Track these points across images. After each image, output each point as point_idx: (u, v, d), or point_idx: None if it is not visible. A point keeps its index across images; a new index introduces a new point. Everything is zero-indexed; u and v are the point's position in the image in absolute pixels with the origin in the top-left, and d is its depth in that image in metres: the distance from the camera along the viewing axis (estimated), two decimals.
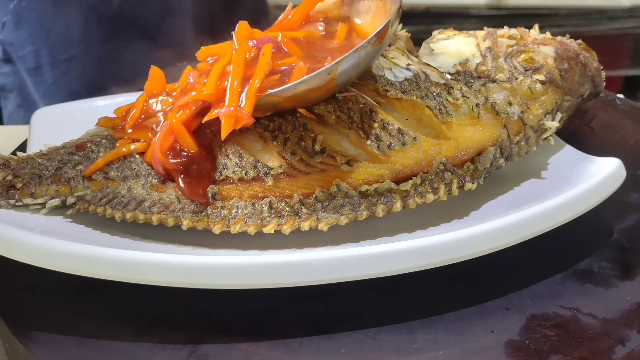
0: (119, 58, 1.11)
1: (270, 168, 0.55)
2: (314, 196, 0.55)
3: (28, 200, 0.57)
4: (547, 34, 0.71)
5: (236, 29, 0.61)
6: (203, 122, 0.55)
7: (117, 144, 0.59)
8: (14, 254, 0.50)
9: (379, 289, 0.52)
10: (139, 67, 1.00)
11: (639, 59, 2.10)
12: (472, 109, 0.60)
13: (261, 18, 1.31)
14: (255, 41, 0.60)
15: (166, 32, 1.14)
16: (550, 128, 0.64)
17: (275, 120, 0.57)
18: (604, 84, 0.70)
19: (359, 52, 0.54)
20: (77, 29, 1.09)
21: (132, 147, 0.58)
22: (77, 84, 1.10)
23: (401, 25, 0.70)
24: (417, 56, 0.67)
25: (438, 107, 0.59)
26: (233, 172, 0.55)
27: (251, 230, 0.54)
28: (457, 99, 0.60)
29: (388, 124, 0.57)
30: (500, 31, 0.70)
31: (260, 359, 0.47)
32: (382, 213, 0.56)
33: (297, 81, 0.53)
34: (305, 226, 0.55)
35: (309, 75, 0.53)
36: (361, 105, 0.57)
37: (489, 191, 0.61)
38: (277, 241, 0.55)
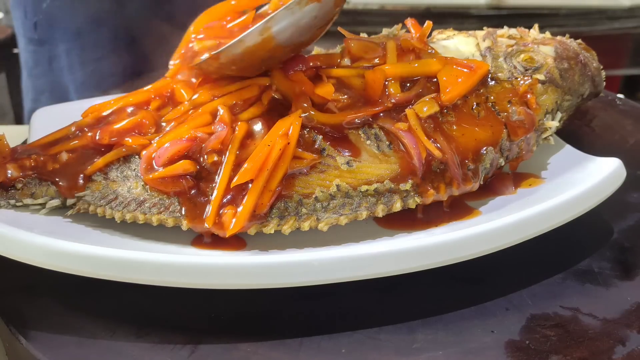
0: (147, 59, 1.11)
1: None
2: (314, 196, 0.55)
3: (28, 201, 0.57)
4: (547, 34, 0.71)
5: None
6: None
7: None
8: (14, 254, 0.50)
9: (379, 289, 0.52)
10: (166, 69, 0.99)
11: (639, 59, 2.10)
12: (472, 108, 0.60)
13: None
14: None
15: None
16: (550, 127, 0.64)
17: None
18: (604, 83, 0.70)
19: (291, 9, 0.53)
20: (106, 29, 1.09)
21: (133, 147, 0.58)
22: (106, 84, 1.10)
23: (401, 25, 0.71)
24: None
25: None
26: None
27: (251, 230, 0.54)
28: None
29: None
30: (500, 31, 0.70)
31: (260, 359, 0.47)
32: (382, 213, 0.56)
33: (233, 41, 0.53)
34: (305, 226, 0.55)
35: (243, 34, 0.53)
36: None
37: None
38: (277, 241, 0.55)
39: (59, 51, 1.11)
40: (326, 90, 0.57)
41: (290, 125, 0.55)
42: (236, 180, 0.53)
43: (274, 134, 0.55)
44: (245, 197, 0.53)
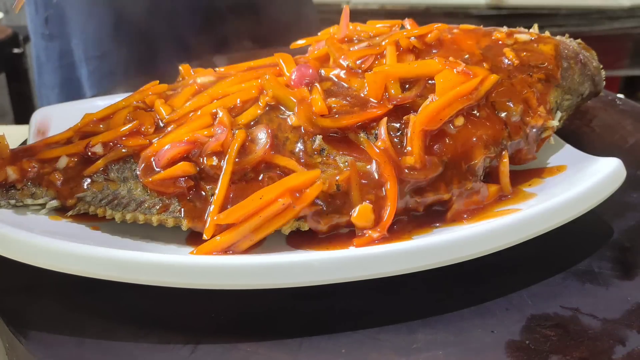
0: (147, 58, 1.11)
1: None
2: None
3: (28, 201, 0.58)
4: (547, 34, 0.71)
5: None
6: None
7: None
8: (14, 254, 0.50)
9: (379, 289, 0.52)
10: (167, 68, 1.00)
11: (639, 59, 2.10)
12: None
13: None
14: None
15: (196, 34, 1.13)
16: (550, 127, 0.64)
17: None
18: (604, 83, 0.70)
19: None
20: (108, 26, 1.09)
21: (133, 148, 0.58)
22: (107, 82, 1.10)
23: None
24: None
25: None
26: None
27: None
28: None
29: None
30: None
31: (260, 359, 0.47)
32: None
33: None
34: (306, 226, 0.55)
35: None
36: None
37: None
38: (277, 241, 0.55)
39: (71, 46, 1.11)
40: (321, 108, 0.57)
41: (309, 184, 0.53)
42: (219, 219, 0.52)
43: (275, 189, 0.52)
44: (224, 235, 0.52)
